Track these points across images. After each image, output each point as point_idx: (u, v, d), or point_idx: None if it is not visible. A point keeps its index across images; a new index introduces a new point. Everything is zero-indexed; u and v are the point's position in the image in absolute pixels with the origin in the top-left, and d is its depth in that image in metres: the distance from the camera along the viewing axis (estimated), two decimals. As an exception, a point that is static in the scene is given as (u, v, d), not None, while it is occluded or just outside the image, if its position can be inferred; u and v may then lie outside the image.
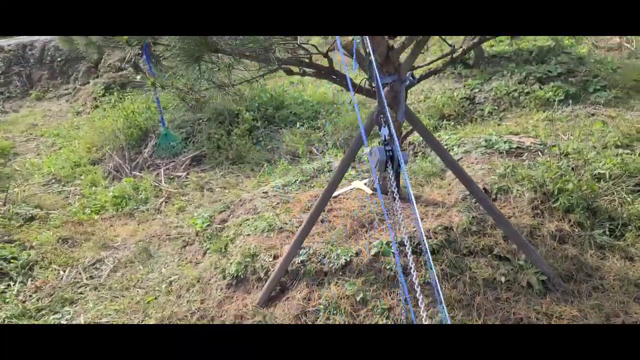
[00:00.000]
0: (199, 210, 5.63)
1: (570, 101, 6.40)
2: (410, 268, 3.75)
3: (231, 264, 4.20)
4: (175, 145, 7.21)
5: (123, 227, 5.79)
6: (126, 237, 5.53)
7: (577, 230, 4.02)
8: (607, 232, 4.01)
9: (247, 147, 7.08)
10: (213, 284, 4.22)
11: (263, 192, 5.18)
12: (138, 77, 9.53)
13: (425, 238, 2.66)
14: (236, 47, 3.33)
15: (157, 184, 6.51)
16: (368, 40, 2.78)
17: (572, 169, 4.49)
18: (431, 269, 3.43)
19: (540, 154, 4.97)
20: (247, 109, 7.56)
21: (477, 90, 7.26)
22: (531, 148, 5.10)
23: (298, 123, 7.62)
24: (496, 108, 6.87)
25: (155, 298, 4.36)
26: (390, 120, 2.82)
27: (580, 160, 4.64)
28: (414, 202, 2.25)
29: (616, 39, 8.05)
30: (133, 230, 5.65)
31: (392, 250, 3.79)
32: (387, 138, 3.00)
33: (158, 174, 6.78)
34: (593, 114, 6.08)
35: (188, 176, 6.71)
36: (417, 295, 2.10)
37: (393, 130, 3.07)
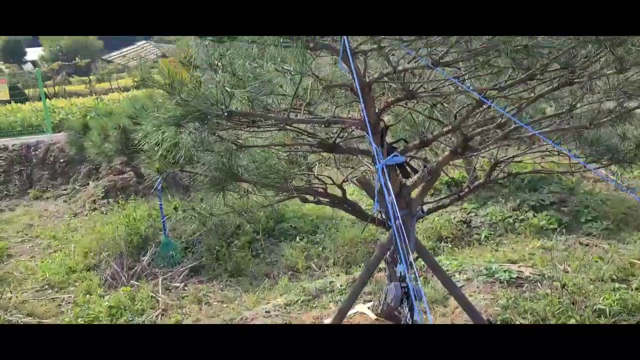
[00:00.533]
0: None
1: (564, 230, 6.63)
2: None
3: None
4: (175, 255, 7.23)
5: (116, 339, 5.63)
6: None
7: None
8: (612, 372, 4.00)
9: (247, 259, 7.12)
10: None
11: (265, 312, 5.15)
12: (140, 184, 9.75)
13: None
14: (258, 177, 3.53)
15: (154, 295, 6.44)
16: (388, 186, 2.97)
17: (573, 303, 4.57)
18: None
19: (539, 285, 5.07)
20: (248, 221, 7.68)
21: (473, 214, 7.50)
22: (530, 278, 5.21)
23: (297, 237, 7.72)
24: (492, 233, 7.07)
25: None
26: (406, 258, 2.95)
27: (580, 295, 4.74)
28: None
29: (602, 171, 8.48)
30: (127, 344, 5.49)
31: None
32: (402, 274, 3.11)
33: (156, 283, 6.72)
34: (587, 244, 6.28)
35: (186, 287, 6.66)
36: None
37: (407, 266, 3.20)
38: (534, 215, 7.13)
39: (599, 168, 3.43)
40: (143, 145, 3.09)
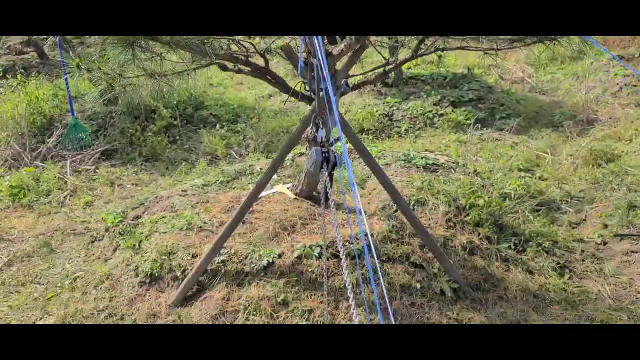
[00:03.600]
0: (109, 206, 5.32)
1: (479, 125, 6.85)
2: (333, 272, 3.80)
3: (145, 261, 4.01)
4: (85, 138, 6.78)
5: (20, 219, 5.33)
6: (23, 230, 5.09)
7: (485, 243, 4.29)
8: (512, 247, 4.31)
9: (163, 144, 6.83)
10: (124, 282, 4.00)
11: (182, 191, 5.01)
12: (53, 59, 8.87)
13: (355, 242, 2.72)
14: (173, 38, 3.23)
15: (61, 177, 6.08)
16: (317, 43, 2.79)
17: (483, 186, 4.79)
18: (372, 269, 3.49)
19: (453, 171, 5.26)
20: (165, 106, 7.30)
21: (395, 108, 7.55)
22: (445, 165, 5.39)
23: (217, 125, 7.48)
24: (412, 126, 7.19)
25: (57, 294, 4.04)
26: (328, 123, 2.86)
27: (490, 179, 4.97)
28: (356, 207, 2.29)
29: (519, 74, 8.76)
30: (32, 223, 5.21)
31: (315, 253, 3.83)
32: (323, 140, 3.04)
33: (63, 166, 6.32)
34: (499, 139, 6.56)
35: (97, 170, 6.33)
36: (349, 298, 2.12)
37: (332, 132, 3.12)
38: (453, 111, 7.29)
39: (525, 45, 3.43)
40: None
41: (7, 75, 9.28)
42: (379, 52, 3.82)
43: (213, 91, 8.77)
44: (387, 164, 5.31)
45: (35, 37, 8.81)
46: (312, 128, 3.53)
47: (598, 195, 5.01)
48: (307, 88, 3.65)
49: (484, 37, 3.84)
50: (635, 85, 7.47)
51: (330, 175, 3.08)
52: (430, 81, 8.26)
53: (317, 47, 2.74)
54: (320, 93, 3.50)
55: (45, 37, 10.86)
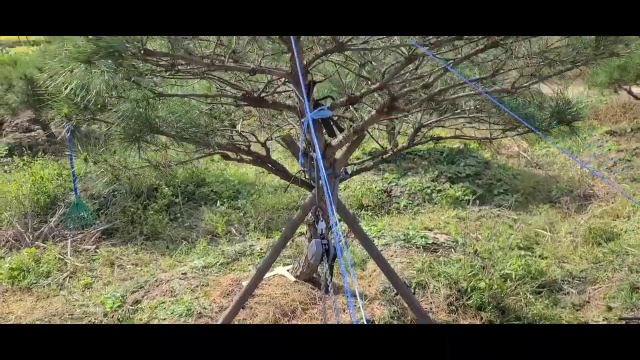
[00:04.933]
0: (109, 289, 5.28)
1: (478, 201, 6.92)
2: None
3: (144, 350, 3.93)
4: (86, 217, 6.82)
5: (18, 303, 5.26)
6: (21, 315, 5.02)
7: (488, 327, 4.23)
8: (515, 331, 4.25)
9: (164, 223, 6.86)
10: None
11: (182, 274, 4.99)
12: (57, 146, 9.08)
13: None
14: (177, 129, 3.35)
15: (62, 257, 6.07)
16: (313, 136, 2.89)
17: (483, 267, 4.79)
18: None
19: (453, 250, 5.27)
20: (167, 184, 7.39)
21: (393, 184, 7.65)
22: (445, 245, 5.40)
23: (218, 202, 7.55)
24: (411, 202, 7.26)
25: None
26: (329, 215, 2.92)
27: (490, 260, 4.97)
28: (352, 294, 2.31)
29: (515, 148, 8.94)
30: (30, 308, 5.15)
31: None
32: (323, 231, 3.08)
33: (64, 245, 6.33)
34: (498, 215, 6.60)
35: (97, 250, 6.33)
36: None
37: (332, 223, 3.17)
38: (451, 187, 7.38)
39: (516, 134, 3.55)
40: (49, 87, 2.81)
41: (14, 153, 9.48)
42: (377, 142, 3.93)
43: (214, 167, 8.91)
44: (386, 244, 5.33)
45: (43, 117, 9.04)
46: (311, 218, 3.60)
47: (600, 276, 4.99)
48: (307, 176, 3.73)
49: (479, 123, 3.98)
50: (629, 160, 7.60)
51: (331, 266, 3.11)
52: (427, 156, 8.40)
53: (316, 144, 2.84)
54: (319, 179, 3.60)
55: (52, 115, 11.16)
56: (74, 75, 2.46)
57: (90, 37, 2.36)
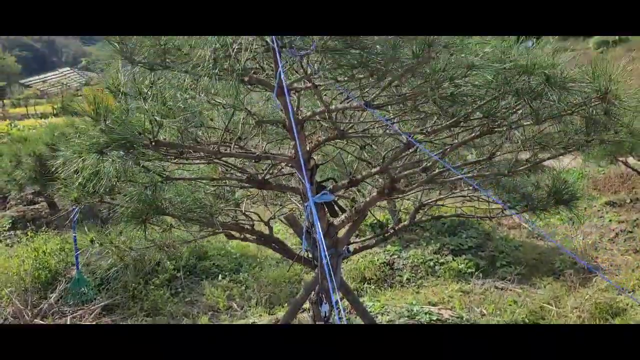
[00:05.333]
0: (107, 369, 5.17)
1: (481, 274, 6.88)
2: None
3: None
4: (87, 292, 6.77)
5: (14, 384, 5.14)
6: (16, 398, 4.89)
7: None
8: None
9: (165, 298, 6.80)
10: None
11: (182, 353, 4.90)
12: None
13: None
14: (183, 211, 3.42)
15: (60, 335, 5.97)
16: (315, 219, 2.95)
17: (489, 345, 4.70)
18: None
19: (458, 327, 5.20)
20: (169, 258, 7.39)
21: (396, 256, 7.64)
22: (450, 321, 5.33)
23: (220, 275, 7.51)
24: (414, 275, 7.22)
25: None
26: (332, 298, 2.92)
27: (496, 336, 4.88)
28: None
29: (516, 219, 8.98)
30: (26, 390, 5.02)
31: None
32: (327, 314, 3.08)
33: (64, 322, 6.24)
34: (502, 288, 6.55)
35: (97, 327, 6.24)
36: None
37: (335, 306, 3.17)
38: (453, 259, 7.37)
39: (514, 213, 3.61)
40: (61, 173, 2.91)
41: (17, 226, 9.54)
42: (378, 220, 3.99)
43: (216, 240, 8.91)
44: (390, 321, 5.26)
45: (48, 191, 9.17)
46: (315, 296, 3.60)
47: (608, 353, 4.89)
48: (310, 255, 3.77)
49: (479, 202, 4.05)
50: (630, 232, 7.62)
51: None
52: (429, 228, 8.43)
53: (318, 227, 2.90)
54: (323, 261, 3.62)
55: (56, 189, 11.31)
56: (87, 165, 2.55)
57: (103, 128, 2.48)
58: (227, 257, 8.09)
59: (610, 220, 8.13)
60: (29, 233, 8.04)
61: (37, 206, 11.20)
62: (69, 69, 39.14)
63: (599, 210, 8.56)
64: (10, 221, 9.94)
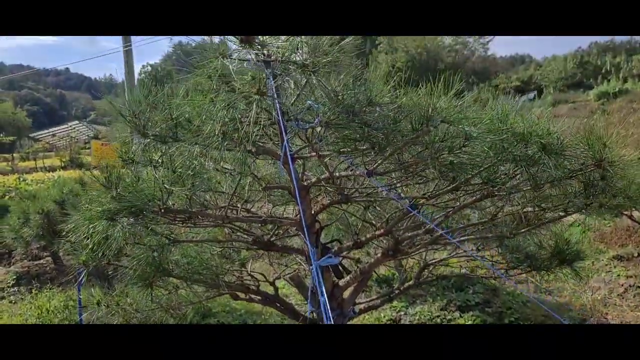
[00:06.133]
0: None
1: (489, 332, 6.78)
2: None
3: None
4: (90, 351, 6.71)
5: None
6: None
7: None
8: None
9: None
10: None
11: (185, 417, 4.80)
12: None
13: None
14: (189, 272, 3.45)
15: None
16: (320, 282, 2.98)
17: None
18: None
19: (467, 388, 5.08)
20: (173, 316, 7.32)
21: (402, 313, 7.55)
22: (458, 381, 5.23)
23: (224, 334, 7.42)
24: (421, 333, 7.11)
25: None
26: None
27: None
28: None
29: (522, 274, 8.90)
30: None
31: None
32: (332, 379, 3.05)
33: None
34: (510, 347, 6.43)
35: (99, 388, 6.14)
36: None
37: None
38: (460, 316, 7.27)
39: (515, 276, 3.62)
40: (71, 237, 2.98)
41: (21, 282, 9.52)
42: (384, 281, 3.99)
43: (220, 297, 8.84)
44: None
45: (54, 247, 9.21)
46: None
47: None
48: (316, 316, 3.76)
49: (483, 259, 4.07)
50: (639, 287, 7.54)
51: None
52: (435, 283, 8.36)
53: (322, 287, 2.92)
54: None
55: (61, 243, 11.35)
56: (96, 231, 2.62)
57: (115, 196, 2.56)
58: (232, 314, 8.00)
59: (618, 275, 8.05)
60: (33, 290, 8.02)
61: (42, 261, 11.20)
62: (77, 122, 39.90)
63: (606, 265, 8.49)
64: (14, 277, 9.92)
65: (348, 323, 3.75)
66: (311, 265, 3.08)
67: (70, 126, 40.84)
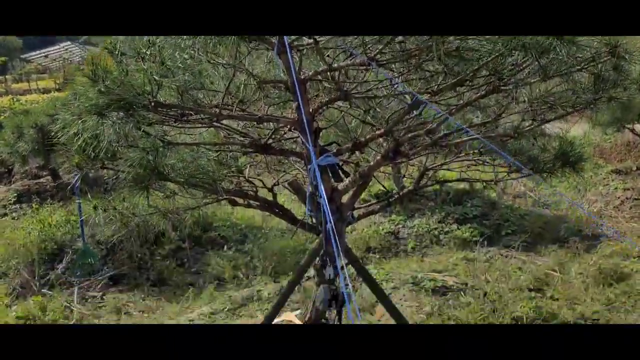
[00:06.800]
0: (115, 337, 5.23)
1: (486, 242, 6.87)
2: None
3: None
4: (93, 263, 6.82)
5: (23, 352, 5.21)
6: (26, 365, 4.96)
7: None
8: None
9: (171, 268, 6.84)
10: None
11: (189, 321, 4.95)
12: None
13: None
14: (186, 177, 3.39)
15: (68, 305, 6.03)
16: (319, 182, 2.92)
17: (493, 310, 4.72)
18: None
19: (462, 293, 5.21)
20: (174, 229, 7.40)
21: (400, 226, 7.64)
22: (454, 287, 5.34)
23: (225, 246, 7.53)
24: (419, 244, 7.22)
25: None
26: (336, 261, 2.92)
27: (500, 303, 4.90)
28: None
29: (521, 188, 8.94)
30: (35, 357, 5.09)
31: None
32: (331, 277, 3.08)
33: (71, 293, 6.31)
34: (506, 256, 6.55)
35: (104, 297, 6.30)
36: None
37: (339, 268, 3.17)
38: (458, 228, 7.36)
39: (521, 177, 3.58)
40: (60, 137, 2.88)
41: (22, 199, 9.58)
42: (383, 186, 3.96)
43: (221, 211, 8.91)
44: (395, 288, 5.28)
45: (52, 164, 9.16)
46: (319, 262, 3.59)
47: (613, 318, 4.90)
48: (315, 221, 3.75)
49: (484, 165, 4.02)
50: (637, 199, 7.58)
51: (339, 312, 3.08)
52: (434, 197, 8.40)
53: (322, 190, 2.87)
54: (327, 225, 3.61)
55: (61, 162, 11.32)
56: (86, 127, 2.52)
57: (102, 89, 2.44)
58: (233, 228, 8.11)
59: (616, 188, 8.08)
60: (34, 205, 8.06)
61: (41, 180, 11.21)
62: (69, 42, 38.61)
63: (604, 178, 8.50)
64: (15, 195, 9.97)
65: (347, 229, 3.74)
66: (310, 165, 3.01)
67: (63, 47, 39.62)
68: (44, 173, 11.39)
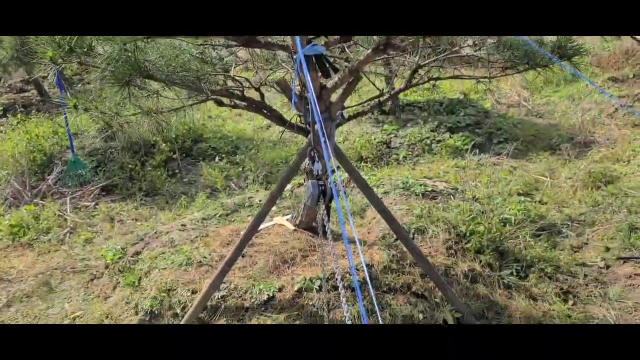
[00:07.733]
0: (109, 242, 5.30)
1: (477, 150, 6.87)
2: (334, 304, 3.76)
3: (145, 298, 3.97)
4: (84, 174, 6.80)
5: (19, 258, 5.30)
6: (23, 270, 5.06)
7: (487, 270, 4.25)
8: (514, 273, 4.27)
9: (163, 179, 6.84)
10: (123, 320, 3.95)
11: (181, 225, 5.00)
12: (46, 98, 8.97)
13: (356, 274, 2.69)
14: (168, 74, 3.27)
15: (61, 214, 6.07)
16: (307, 77, 2.81)
17: (482, 212, 4.78)
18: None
19: (452, 197, 5.25)
20: (164, 140, 7.33)
21: (393, 135, 7.59)
22: (444, 192, 5.38)
23: (217, 157, 7.51)
24: (410, 153, 7.21)
25: (57, 336, 4.00)
26: (325, 158, 2.87)
27: (489, 205, 4.95)
28: (347, 239, 2.28)
29: (515, 97, 8.82)
30: (31, 262, 5.19)
31: (315, 286, 3.79)
32: (320, 173, 3.05)
33: (63, 203, 6.33)
34: (497, 163, 6.56)
35: (97, 206, 6.33)
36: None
37: (328, 165, 3.13)
38: (450, 136, 7.32)
39: (517, 72, 3.47)
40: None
41: (8, 114, 9.39)
42: (373, 84, 3.85)
43: (212, 123, 8.82)
44: (385, 193, 5.30)
45: (35, 75, 8.89)
46: (308, 161, 3.55)
47: (599, 218, 4.98)
48: (303, 121, 3.67)
49: (478, 64, 3.89)
50: (631, 106, 7.50)
51: (328, 207, 3.08)
52: (426, 107, 8.31)
53: (309, 81, 2.77)
54: (315, 125, 3.53)
55: (45, 75, 11.01)
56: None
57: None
58: (224, 139, 8.05)
59: (611, 96, 7.98)
60: (19, 116, 7.90)
61: (27, 94, 10.98)
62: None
63: (600, 86, 8.37)
64: (1, 108, 9.77)
65: (337, 127, 3.67)
66: (296, 56, 2.89)
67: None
68: (29, 87, 11.14)
